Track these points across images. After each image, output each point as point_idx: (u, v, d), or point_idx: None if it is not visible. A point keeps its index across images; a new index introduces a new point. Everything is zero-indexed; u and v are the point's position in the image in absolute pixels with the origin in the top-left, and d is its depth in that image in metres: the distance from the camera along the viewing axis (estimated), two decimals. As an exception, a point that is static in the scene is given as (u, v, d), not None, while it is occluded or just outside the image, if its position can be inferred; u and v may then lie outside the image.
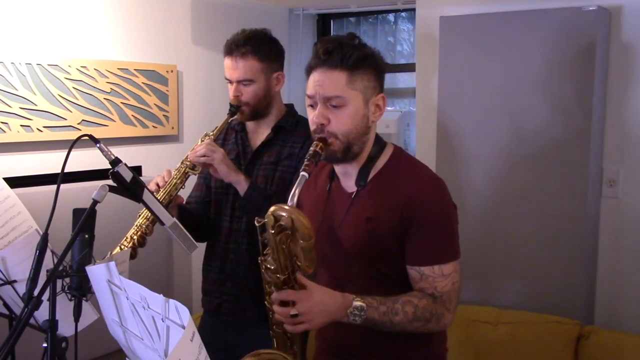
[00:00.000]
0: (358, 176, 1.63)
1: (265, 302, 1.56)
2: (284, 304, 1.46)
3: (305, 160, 1.50)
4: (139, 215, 2.01)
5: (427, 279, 1.55)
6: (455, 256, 1.59)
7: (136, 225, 2.00)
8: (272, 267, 1.47)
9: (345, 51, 1.54)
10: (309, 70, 1.60)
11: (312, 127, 1.59)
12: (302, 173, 1.47)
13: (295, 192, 1.44)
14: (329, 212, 1.67)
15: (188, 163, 2.04)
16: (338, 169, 1.69)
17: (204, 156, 1.98)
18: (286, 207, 1.42)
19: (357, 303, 1.48)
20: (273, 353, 1.55)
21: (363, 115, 1.57)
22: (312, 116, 1.58)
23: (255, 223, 1.48)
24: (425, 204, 1.55)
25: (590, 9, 2.55)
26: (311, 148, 1.53)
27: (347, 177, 1.66)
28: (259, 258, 1.51)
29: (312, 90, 1.57)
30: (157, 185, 2.01)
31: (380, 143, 1.65)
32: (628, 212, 2.72)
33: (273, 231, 1.43)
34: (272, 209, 1.43)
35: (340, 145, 1.56)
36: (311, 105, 1.60)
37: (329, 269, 1.66)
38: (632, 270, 2.72)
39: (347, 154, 1.58)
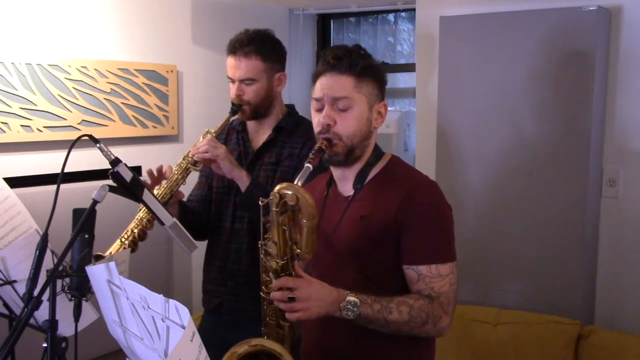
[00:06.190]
0: (355, 180, 1.66)
1: (261, 293, 1.56)
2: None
3: (311, 154, 1.53)
4: (140, 210, 2.00)
5: (424, 279, 1.56)
6: (452, 257, 1.60)
7: (137, 218, 1.99)
8: (272, 251, 1.48)
9: (353, 58, 1.60)
10: (316, 76, 1.64)
11: (317, 129, 1.61)
12: (306, 165, 1.50)
13: (298, 182, 1.46)
14: (326, 217, 1.68)
15: (190, 159, 2.04)
16: (336, 173, 1.71)
17: (207, 152, 1.99)
18: (292, 185, 1.44)
19: (351, 298, 1.49)
20: (264, 345, 1.54)
21: (367, 119, 1.62)
22: (319, 118, 1.61)
23: (260, 203, 1.48)
24: (421, 204, 1.57)
25: (590, 9, 2.55)
26: (316, 144, 1.57)
27: (345, 181, 1.69)
28: (259, 242, 1.52)
29: (320, 93, 1.61)
30: (153, 174, 2.00)
31: (378, 151, 1.70)
32: (628, 212, 2.72)
33: (277, 209, 1.43)
34: (277, 187, 1.45)
35: (344, 148, 1.60)
36: (318, 110, 1.62)
37: (322, 270, 1.66)
38: (632, 270, 2.72)
39: (349, 156, 1.62)
